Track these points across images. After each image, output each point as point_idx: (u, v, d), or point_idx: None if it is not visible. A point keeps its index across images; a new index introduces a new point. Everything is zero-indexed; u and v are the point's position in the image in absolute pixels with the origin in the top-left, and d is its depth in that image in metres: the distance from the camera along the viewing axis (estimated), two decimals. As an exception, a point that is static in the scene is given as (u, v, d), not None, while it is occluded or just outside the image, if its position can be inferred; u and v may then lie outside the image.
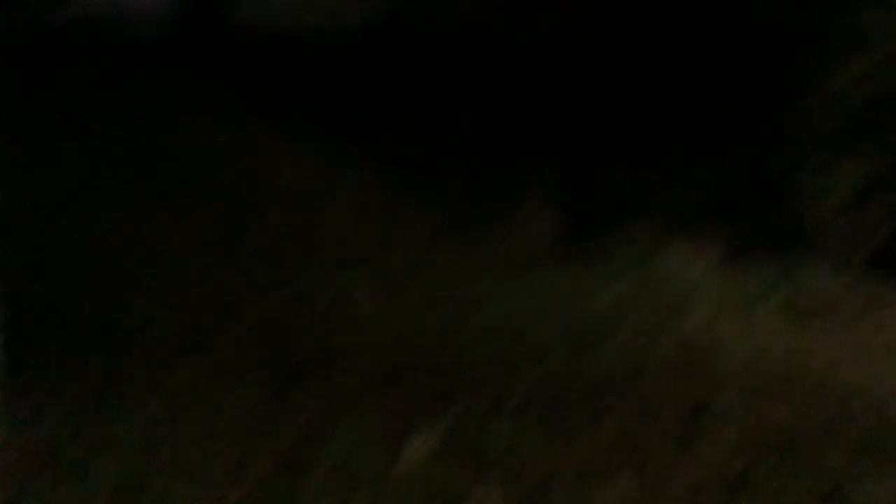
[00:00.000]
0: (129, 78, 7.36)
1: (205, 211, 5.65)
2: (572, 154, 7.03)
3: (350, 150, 7.24)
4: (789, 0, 6.81)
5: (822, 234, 6.24)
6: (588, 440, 3.75)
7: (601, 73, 7.37)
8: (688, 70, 6.88)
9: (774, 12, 6.86)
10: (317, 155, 7.09)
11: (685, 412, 4.08)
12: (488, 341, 4.63)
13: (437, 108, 7.54)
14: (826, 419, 4.08)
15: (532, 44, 8.57)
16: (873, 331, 5.34)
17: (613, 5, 7.74)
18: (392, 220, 6.42)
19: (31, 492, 3.12)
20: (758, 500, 3.47)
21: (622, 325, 5.08)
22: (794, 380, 4.48)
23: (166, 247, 5.05)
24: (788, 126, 6.58)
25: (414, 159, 7.23)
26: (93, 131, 6.30)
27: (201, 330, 4.22)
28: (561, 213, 6.60)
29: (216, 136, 6.80)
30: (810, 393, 4.34)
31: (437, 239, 6.26)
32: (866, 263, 6.08)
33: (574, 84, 7.48)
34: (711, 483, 3.55)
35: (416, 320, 4.78)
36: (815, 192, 6.36)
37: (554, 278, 5.85)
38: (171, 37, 8.81)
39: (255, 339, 4.22)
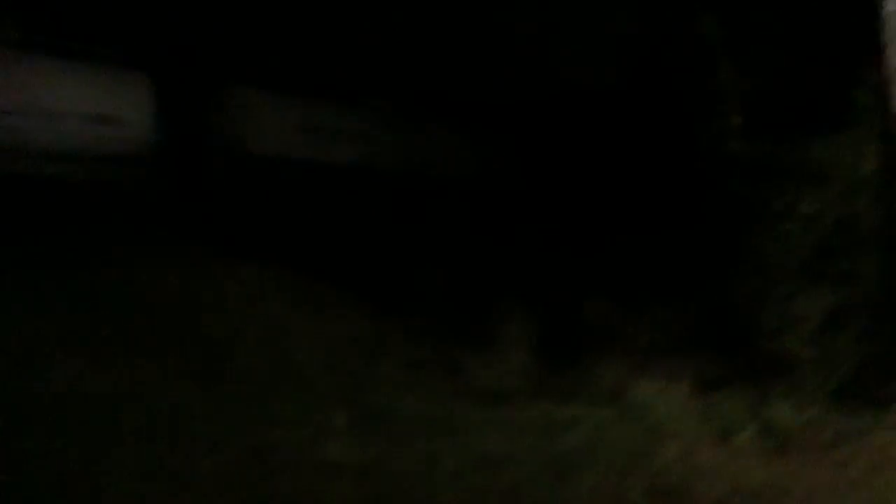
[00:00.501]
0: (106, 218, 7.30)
1: (177, 357, 5.58)
2: (545, 292, 7.19)
3: (326, 288, 7.34)
4: (748, 140, 7.17)
5: (789, 367, 6.36)
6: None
7: (573, 216, 7.67)
8: (651, 213, 7.18)
9: (733, 151, 7.22)
10: (294, 293, 7.16)
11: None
12: (462, 482, 4.59)
13: (410, 249, 7.71)
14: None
15: (504, 189, 8.94)
16: (841, 466, 5.37)
17: (583, 148, 8.15)
18: (366, 357, 6.45)
19: None
20: None
21: (597, 461, 5.07)
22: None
23: (136, 396, 4.96)
24: (750, 262, 6.80)
25: (388, 297, 7.35)
26: (64, 277, 6.15)
27: (173, 478, 4.15)
28: (534, 349, 6.69)
29: (190, 277, 6.80)
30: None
31: (411, 375, 6.29)
32: (832, 395, 6.17)
33: (547, 226, 7.76)
34: None
35: (389, 461, 4.73)
36: (779, 326, 6.53)
37: (528, 413, 5.86)
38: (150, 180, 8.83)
39: (227, 486, 4.16)
